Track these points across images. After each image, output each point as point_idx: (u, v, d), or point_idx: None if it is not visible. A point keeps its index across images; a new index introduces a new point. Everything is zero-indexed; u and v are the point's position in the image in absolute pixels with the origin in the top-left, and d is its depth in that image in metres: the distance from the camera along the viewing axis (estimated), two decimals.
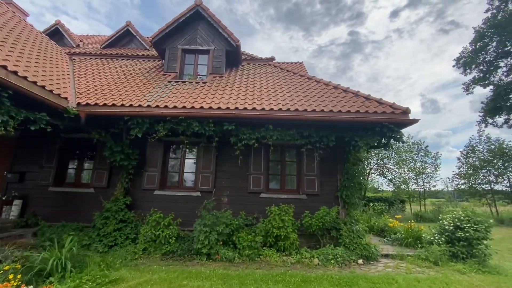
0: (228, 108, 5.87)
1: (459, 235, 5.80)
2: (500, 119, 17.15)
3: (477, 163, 22.99)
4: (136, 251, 5.47)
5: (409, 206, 24.59)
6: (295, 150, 7.02)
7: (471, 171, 23.42)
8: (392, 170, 19.68)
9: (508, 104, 15.85)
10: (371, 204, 20.85)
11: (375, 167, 19.60)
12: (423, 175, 25.04)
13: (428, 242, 6.42)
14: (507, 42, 14.34)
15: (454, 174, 24.37)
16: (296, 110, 5.88)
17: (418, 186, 25.24)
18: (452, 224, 6.05)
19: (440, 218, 6.69)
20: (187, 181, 7.03)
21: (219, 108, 5.87)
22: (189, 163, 7.12)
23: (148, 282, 3.93)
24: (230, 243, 5.64)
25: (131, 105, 5.91)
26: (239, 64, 9.23)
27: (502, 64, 15.62)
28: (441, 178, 26.30)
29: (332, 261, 5.27)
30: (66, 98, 5.79)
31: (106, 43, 11.25)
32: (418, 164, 24.17)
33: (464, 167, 24.04)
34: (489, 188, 22.29)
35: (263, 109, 5.88)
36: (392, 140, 6.15)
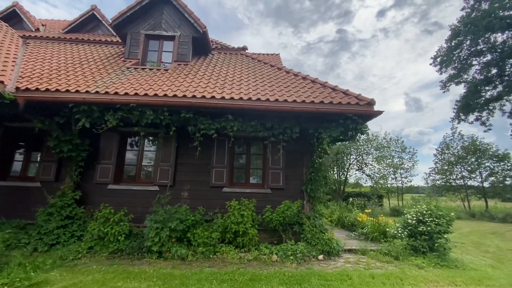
0: (185, 96, 5.47)
1: (421, 229, 5.73)
2: (472, 116, 17.61)
3: (452, 159, 23.72)
4: (80, 250, 5.01)
5: (387, 201, 25.17)
6: (261, 143, 6.72)
7: (446, 167, 24.16)
8: (371, 166, 19.90)
9: (479, 101, 16.26)
10: (351, 199, 21.13)
11: (354, 162, 19.74)
12: (401, 171, 25.64)
13: (393, 236, 6.34)
14: (479, 41, 14.62)
15: (430, 170, 25.11)
16: (258, 99, 5.57)
17: (396, 181, 25.85)
18: (415, 218, 5.97)
19: (405, 212, 6.62)
20: (145, 174, 6.60)
21: (175, 96, 5.46)
22: (148, 155, 6.68)
23: (77, 285, 3.53)
24: (185, 240, 5.30)
25: (77, 91, 5.39)
26: (208, 53, 8.79)
27: (475, 62, 15.96)
28: (417, 174, 26.89)
29: (291, 257, 5.05)
30: (2, 82, 5.20)
31: (68, 27, 10.46)
32: (395, 160, 24.68)
33: (440, 163, 24.79)
34: (462, 183, 23.07)
35: (222, 98, 5.52)
36: (358, 133, 5.95)
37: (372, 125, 19.63)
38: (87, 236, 5.25)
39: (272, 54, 11.77)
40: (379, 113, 5.59)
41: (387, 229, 6.66)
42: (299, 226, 5.92)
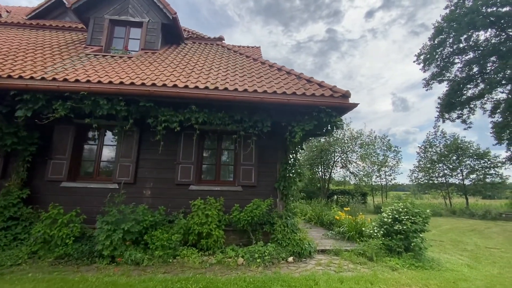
0: (143, 84, 4.97)
1: (396, 228, 5.46)
2: (454, 114, 17.75)
3: (434, 157, 24.04)
4: (20, 255, 4.45)
5: (372, 198, 25.32)
6: (232, 137, 6.29)
7: (429, 165, 24.48)
8: (354, 163, 19.84)
9: (461, 99, 16.38)
10: (335, 197, 21.04)
11: (338, 159, 19.63)
12: (386, 168, 25.82)
13: (368, 236, 6.06)
14: (461, 38, 14.67)
15: (414, 167, 25.38)
16: (225, 89, 5.13)
17: (380, 179, 26.04)
18: (390, 217, 5.71)
19: (382, 210, 6.36)
20: (105, 171, 6.05)
21: (132, 83, 4.95)
22: (108, 150, 6.13)
23: None
24: (142, 243, 4.82)
25: (20, 77, 4.80)
26: (180, 42, 8.26)
27: (457, 60, 16.04)
28: (401, 172, 27.22)
29: (258, 260, 4.66)
30: None
31: (32, 13, 9.68)
32: (380, 158, 24.81)
33: (423, 161, 25.10)
34: (444, 181, 23.42)
35: (186, 86, 5.05)
36: (333, 127, 5.59)
37: (357, 123, 19.48)
38: (30, 239, 4.69)
39: (253, 47, 11.32)
40: (354, 105, 5.26)
41: (363, 228, 6.38)
42: (270, 226, 5.54)
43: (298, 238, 5.25)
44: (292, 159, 6.03)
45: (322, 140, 18.50)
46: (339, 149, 19.05)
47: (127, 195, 5.58)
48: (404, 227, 5.34)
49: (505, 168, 19.29)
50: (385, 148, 26.00)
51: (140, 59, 6.44)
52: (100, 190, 5.64)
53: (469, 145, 21.35)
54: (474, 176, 21.61)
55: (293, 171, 5.94)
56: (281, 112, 5.56)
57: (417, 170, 25.30)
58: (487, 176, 20.98)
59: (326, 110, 5.21)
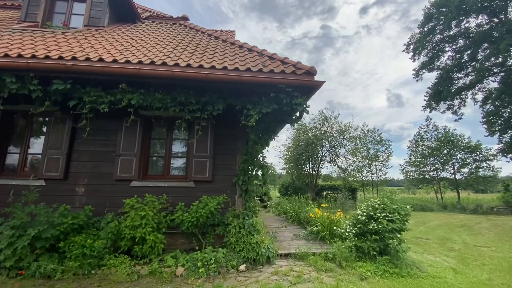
0: (61, 57, 4.07)
1: (371, 226, 4.69)
2: (444, 106, 17.11)
3: (425, 151, 23.49)
4: None
5: (363, 194, 24.73)
6: (186, 125, 5.42)
7: (420, 159, 23.94)
8: (343, 158, 19.13)
9: (451, 89, 15.72)
10: (324, 193, 20.36)
11: (326, 154, 18.88)
12: (377, 163, 25.24)
13: (340, 236, 5.29)
14: (452, 24, 13.95)
15: (405, 162, 24.84)
16: (164, 64, 4.26)
17: (371, 174, 25.47)
18: (365, 214, 4.93)
19: (357, 207, 5.59)
20: (32, 165, 5.15)
21: (47, 57, 4.05)
22: (37, 141, 5.23)
23: None
24: (61, 250, 3.96)
25: None
26: (136, 20, 7.32)
27: (447, 48, 15.35)
28: (391, 166, 26.72)
29: (201, 270, 3.84)
30: None
31: None
32: (371, 152, 24.19)
33: (414, 155, 24.56)
34: (436, 175, 22.91)
35: (114, 61, 4.17)
36: (297, 112, 4.76)
37: (344, 116, 18.72)
38: None
39: (227, 31, 10.41)
40: (319, 84, 4.44)
41: (334, 227, 5.61)
42: (224, 227, 4.72)
43: (255, 241, 4.43)
44: (253, 150, 5.20)
45: (310, 133, 17.72)
46: (327, 143, 18.30)
47: (56, 193, 4.73)
48: (380, 226, 4.57)
49: (497, 160, 18.77)
50: (376, 142, 25.48)
51: (76, 34, 5.51)
52: (23, 188, 4.75)
53: (460, 138, 20.81)
54: (466, 170, 21.12)
55: (254, 163, 5.11)
56: (236, 92, 4.71)
57: (409, 164, 24.77)
58: (479, 169, 20.49)
59: (287, 89, 4.37)
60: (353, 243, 4.79)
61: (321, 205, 7.63)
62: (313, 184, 18.86)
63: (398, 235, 4.60)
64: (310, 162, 19.32)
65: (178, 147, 5.55)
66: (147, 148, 5.33)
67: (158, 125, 5.45)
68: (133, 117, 4.52)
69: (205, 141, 5.20)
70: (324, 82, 4.40)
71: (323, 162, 19.21)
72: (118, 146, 5.03)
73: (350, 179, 18.84)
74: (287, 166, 19.96)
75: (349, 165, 19.66)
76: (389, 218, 4.68)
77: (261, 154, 5.39)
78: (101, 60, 4.12)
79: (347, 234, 5.04)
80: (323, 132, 17.64)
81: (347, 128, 17.72)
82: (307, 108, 4.66)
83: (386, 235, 4.53)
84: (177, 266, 3.97)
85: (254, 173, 5.10)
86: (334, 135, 17.88)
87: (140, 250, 4.10)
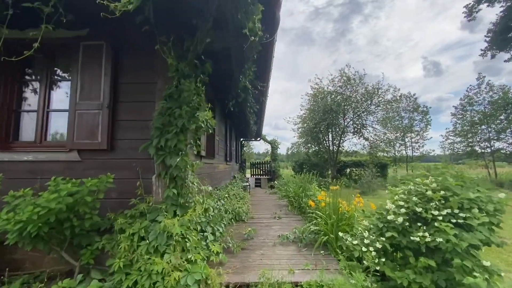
0: None
1: (418, 238, 2.13)
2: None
3: (476, 117, 19.23)
4: None
5: (394, 171, 21.36)
6: (70, 53, 3.06)
7: (467, 127, 19.78)
8: (371, 128, 15.91)
9: None
10: (348, 170, 17.49)
11: (350, 123, 15.78)
12: (412, 134, 21.51)
13: (351, 248, 2.79)
14: None
15: (448, 132, 20.76)
16: None
17: (405, 147, 21.87)
18: (404, 210, 2.35)
19: (387, 190, 2.97)
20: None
21: None
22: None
23: None
24: None
25: None
26: None
27: None
28: (430, 137, 22.64)
29: None
30: None
31: None
32: (405, 121, 20.49)
33: (460, 123, 20.36)
34: (489, 145, 18.80)
35: None
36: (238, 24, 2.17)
37: (372, 75, 15.18)
38: None
39: None
40: None
41: (340, 234, 3.10)
42: (108, 237, 2.46)
43: (162, 269, 2.11)
44: (180, 90, 2.74)
45: (329, 98, 14.65)
46: (350, 111, 15.14)
47: None
48: (439, 238, 2.00)
49: None
50: (411, 110, 21.55)
51: None
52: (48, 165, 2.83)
53: None
54: None
55: (183, 114, 2.68)
56: None
57: (453, 135, 20.67)
58: None
59: None
60: (378, 266, 2.30)
61: (330, 187, 5.01)
62: (333, 160, 16.07)
63: (485, 263, 1.99)
64: (330, 135, 16.40)
65: (60, 90, 3.25)
66: (14, 97, 3.12)
67: (35, 60, 3.16)
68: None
69: (97, 78, 2.85)
70: None
71: (345, 134, 16.19)
72: None
73: (379, 153, 15.71)
74: (302, 140, 17.23)
75: (378, 137, 16.43)
76: (461, 221, 2.07)
77: (200, 102, 2.92)
78: None
79: (364, 249, 2.52)
80: (345, 97, 14.48)
81: (376, 91, 14.35)
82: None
83: (456, 261, 1.95)
84: None
85: (182, 136, 2.68)
86: (360, 100, 14.64)
87: None
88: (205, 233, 3.12)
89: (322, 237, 3.39)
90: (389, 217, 2.40)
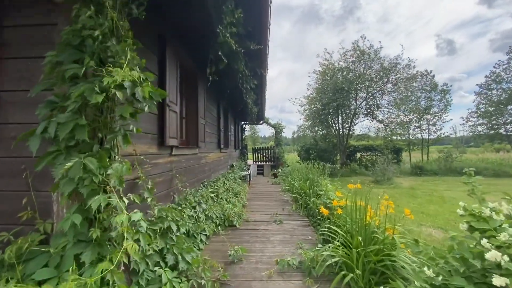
0: None
1: None
2: None
3: (502, 97, 17.39)
4: None
5: (408, 156, 19.87)
6: None
7: (492, 108, 17.99)
8: (386, 109, 14.36)
9: None
10: (358, 155, 16.16)
11: (363, 104, 14.24)
12: (429, 116, 19.78)
13: None
14: None
15: (470, 113, 18.99)
16: None
17: (421, 130, 20.22)
18: None
19: (460, 212, 1.70)
20: None
21: None
22: None
23: None
24: None
25: None
26: None
27: None
28: (450, 119, 20.66)
29: None
30: None
31: None
32: (422, 102, 18.72)
33: (484, 103, 18.52)
34: None
35: None
36: None
37: (388, 47, 13.41)
38: None
39: None
40: None
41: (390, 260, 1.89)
42: None
43: None
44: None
45: (339, 76, 13.07)
46: (364, 90, 13.56)
47: None
48: None
49: None
50: (429, 89, 19.65)
51: None
52: None
53: None
54: None
55: (95, 80, 1.42)
56: None
57: (475, 115, 18.92)
58: None
59: None
60: None
61: (348, 185, 3.71)
62: (343, 145, 14.73)
63: None
64: (340, 117, 14.94)
65: None
66: None
67: None
68: None
69: None
70: None
71: (357, 116, 14.70)
72: None
73: (394, 137, 14.25)
74: (308, 123, 15.83)
75: (392, 119, 14.89)
76: None
77: (123, 51, 1.64)
78: None
79: None
80: (358, 74, 12.87)
81: (393, 67, 12.67)
82: None
83: None
84: None
85: (83, 119, 1.44)
86: (374, 78, 13.02)
87: None
88: (159, 270, 1.96)
89: (343, 273, 2.19)
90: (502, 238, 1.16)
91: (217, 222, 3.84)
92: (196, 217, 3.19)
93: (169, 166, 3.17)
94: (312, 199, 4.41)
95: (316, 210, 4.10)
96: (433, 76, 19.32)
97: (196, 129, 4.36)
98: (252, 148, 14.12)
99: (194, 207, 3.34)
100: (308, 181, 5.55)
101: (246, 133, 15.44)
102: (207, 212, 3.48)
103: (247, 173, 8.81)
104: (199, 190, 4.23)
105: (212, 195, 4.18)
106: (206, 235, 3.24)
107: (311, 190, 4.85)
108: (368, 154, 15.67)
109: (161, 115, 2.89)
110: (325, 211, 3.10)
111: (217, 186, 4.95)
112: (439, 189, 10.15)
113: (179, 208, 3.05)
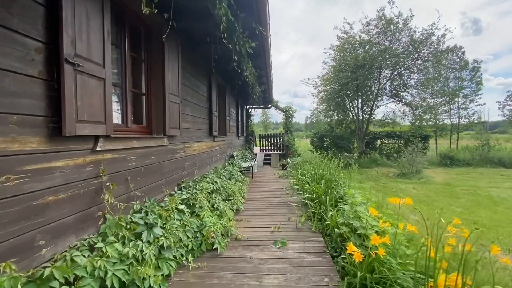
0: None
1: None
2: None
3: None
4: None
5: (434, 143, 17.80)
6: None
7: None
8: (415, 90, 12.43)
9: None
10: (378, 143, 14.42)
11: (386, 84, 12.36)
12: (460, 99, 17.50)
13: None
14: None
15: (509, 95, 16.57)
16: None
17: (450, 115, 18.01)
18: None
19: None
20: None
21: None
22: None
23: None
24: None
25: None
26: None
27: None
28: (484, 103, 18.00)
29: None
30: None
31: None
32: (451, 84, 16.44)
33: None
34: None
35: None
36: None
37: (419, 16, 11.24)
38: None
39: None
40: None
41: None
42: None
43: None
44: None
45: (360, 51, 11.21)
46: (390, 67, 11.65)
47: None
48: None
49: None
50: (458, 68, 17.13)
51: None
52: None
53: None
54: None
55: None
56: None
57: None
58: None
59: None
60: None
61: (389, 199, 2.24)
62: (362, 132, 13.04)
63: None
64: (359, 100, 13.15)
65: None
66: None
67: None
68: None
69: None
70: None
71: (379, 98, 12.86)
72: None
73: (423, 123, 12.41)
74: (322, 107, 14.11)
75: (419, 102, 12.92)
76: None
77: None
78: None
79: None
80: (382, 48, 10.95)
81: (427, 38, 10.64)
82: None
83: None
84: None
85: None
86: (402, 53, 11.06)
87: None
88: None
89: None
90: None
91: (189, 246, 2.57)
92: (138, 256, 1.89)
93: (90, 170, 1.85)
94: (330, 213, 3.02)
95: (337, 231, 2.72)
96: (463, 52, 16.78)
97: (162, 110, 3.00)
98: (259, 135, 12.72)
99: (137, 236, 2.03)
100: (323, 180, 4.15)
101: (257, 118, 13.97)
102: (162, 242, 2.16)
103: (250, 165, 7.49)
104: (166, 198, 2.93)
105: (183, 206, 2.86)
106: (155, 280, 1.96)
107: (327, 197, 3.45)
108: (390, 141, 13.93)
109: (57, 79, 1.54)
110: (357, 256, 1.71)
111: (200, 188, 3.64)
112: (481, 185, 8.47)
113: (102, 244, 1.75)
